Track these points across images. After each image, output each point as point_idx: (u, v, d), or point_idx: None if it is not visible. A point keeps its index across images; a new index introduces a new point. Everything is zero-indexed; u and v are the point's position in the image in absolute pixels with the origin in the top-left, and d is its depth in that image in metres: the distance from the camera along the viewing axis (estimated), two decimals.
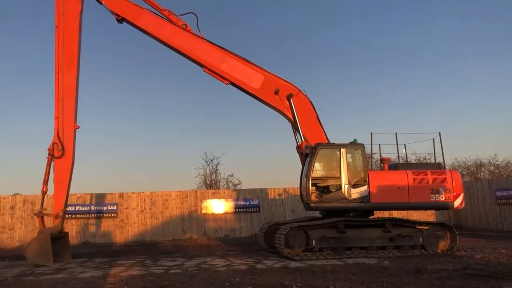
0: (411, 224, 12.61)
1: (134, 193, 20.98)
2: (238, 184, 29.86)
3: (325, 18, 51.64)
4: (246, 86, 13.24)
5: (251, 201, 21.39)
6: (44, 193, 12.85)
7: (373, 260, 11.16)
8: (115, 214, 20.44)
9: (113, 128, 47.99)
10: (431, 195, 12.35)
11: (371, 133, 12.56)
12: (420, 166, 13.64)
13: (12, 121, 44.63)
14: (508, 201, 19.03)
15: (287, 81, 13.34)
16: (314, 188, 12.21)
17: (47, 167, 12.68)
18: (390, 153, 13.27)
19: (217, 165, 30.50)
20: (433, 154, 13.49)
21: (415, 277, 8.63)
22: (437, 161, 13.48)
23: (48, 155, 12.63)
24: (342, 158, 12.28)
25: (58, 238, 12.84)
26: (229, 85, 13.39)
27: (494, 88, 46.02)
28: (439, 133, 12.91)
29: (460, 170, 31.01)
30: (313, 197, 12.16)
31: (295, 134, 13.49)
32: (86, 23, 13.31)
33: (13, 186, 54.94)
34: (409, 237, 12.23)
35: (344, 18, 52.27)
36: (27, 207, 19.99)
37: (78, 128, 12.99)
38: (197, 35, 13.36)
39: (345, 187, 12.12)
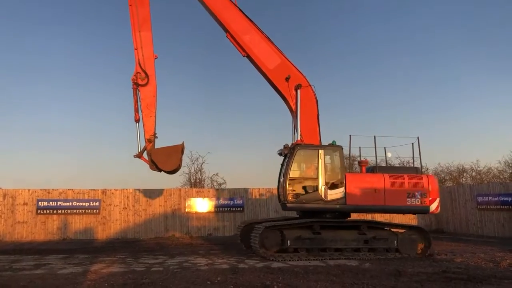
0: (386, 227, 12.70)
1: (117, 189, 20.79)
2: (223, 183, 29.82)
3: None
4: (261, 64, 13.37)
5: (235, 201, 21.38)
6: (137, 120, 13.22)
7: (354, 262, 11.24)
8: (97, 211, 20.23)
9: (97, 125, 47.54)
10: (407, 199, 12.39)
11: (350, 135, 12.56)
12: (397, 170, 13.67)
13: None
14: (488, 207, 19.35)
15: (300, 72, 13.47)
16: (291, 188, 12.20)
17: (134, 96, 13.21)
18: (371, 156, 13.31)
19: (202, 164, 30.45)
20: (412, 158, 13.52)
21: (395, 279, 8.71)
22: (416, 165, 13.55)
23: (133, 85, 13.15)
24: (320, 160, 12.27)
25: None
26: (245, 57, 13.51)
27: (479, 95, 46.77)
28: (418, 137, 12.99)
29: (442, 175, 31.46)
30: (289, 197, 12.14)
31: (293, 133, 13.49)
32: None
33: None
34: (384, 240, 12.27)
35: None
36: (7, 201, 19.69)
37: (157, 57, 13.38)
38: (230, 0, 13.55)
39: (322, 188, 12.12)
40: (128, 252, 14.09)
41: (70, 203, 20.09)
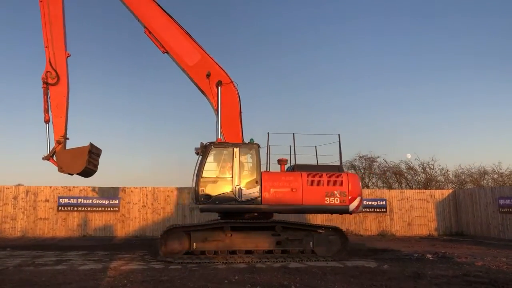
0: (303, 227, 12.24)
1: (136, 187, 21.03)
2: None
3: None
4: (181, 60, 12.98)
5: None
6: (47, 121, 12.74)
7: (373, 263, 11.14)
8: (116, 208, 20.51)
9: (119, 124, 48.14)
10: (326, 198, 11.93)
11: (268, 133, 12.19)
12: (318, 168, 12.87)
13: (14, 113, 44.86)
14: (510, 210, 18.94)
15: (222, 68, 13.04)
16: (204, 188, 11.65)
17: (44, 96, 12.72)
18: (303, 155, 12.80)
19: None
20: (339, 156, 12.75)
21: (414, 282, 8.60)
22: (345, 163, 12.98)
23: (43, 84, 12.68)
24: (235, 158, 11.86)
25: None
26: (165, 53, 13.06)
27: (499, 95, 45.88)
28: (339, 135, 12.62)
29: (463, 177, 30.95)
30: (202, 198, 11.62)
31: (217, 131, 12.91)
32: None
33: (16, 177, 55.29)
34: (298, 241, 11.93)
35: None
36: (29, 197, 20.10)
37: (69, 56, 12.97)
38: None
39: (236, 188, 11.68)
40: (146, 249, 14.22)
41: (90, 200, 20.42)
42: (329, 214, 19.73)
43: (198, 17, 51.42)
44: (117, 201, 20.60)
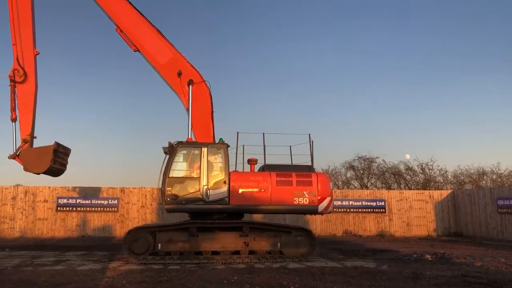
0: (270, 228, 12.15)
1: (135, 188, 21.03)
2: None
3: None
4: (152, 59, 12.87)
5: None
6: (13, 120, 12.55)
7: (372, 263, 11.14)
8: (115, 209, 20.52)
9: (117, 124, 48.13)
10: (295, 198, 11.82)
11: (238, 132, 12.10)
12: (288, 168, 12.60)
13: None
14: (509, 210, 18.99)
15: (194, 67, 12.92)
16: (171, 188, 11.46)
17: (11, 94, 12.55)
18: (277, 155, 12.74)
19: None
20: (310, 156, 12.60)
21: (413, 282, 8.60)
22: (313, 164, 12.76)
23: (10, 82, 12.52)
24: (202, 158, 11.68)
25: None
26: (136, 52, 12.95)
27: (497, 96, 45.95)
28: (309, 134, 12.49)
29: (462, 178, 31.00)
30: (168, 199, 11.42)
31: (188, 130, 12.76)
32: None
33: (15, 177, 55.27)
34: (265, 241, 11.86)
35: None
36: (28, 198, 20.10)
37: (38, 54, 12.81)
38: None
39: (203, 188, 11.51)
40: None
41: (89, 200, 20.41)
42: (327, 215, 19.74)
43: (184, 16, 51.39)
44: (116, 202, 20.60)
